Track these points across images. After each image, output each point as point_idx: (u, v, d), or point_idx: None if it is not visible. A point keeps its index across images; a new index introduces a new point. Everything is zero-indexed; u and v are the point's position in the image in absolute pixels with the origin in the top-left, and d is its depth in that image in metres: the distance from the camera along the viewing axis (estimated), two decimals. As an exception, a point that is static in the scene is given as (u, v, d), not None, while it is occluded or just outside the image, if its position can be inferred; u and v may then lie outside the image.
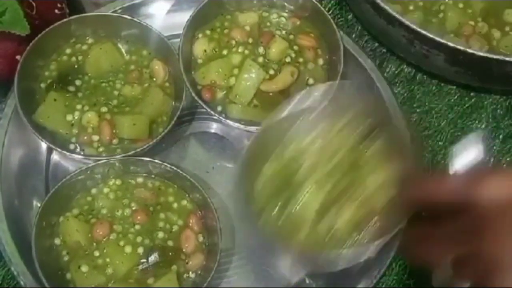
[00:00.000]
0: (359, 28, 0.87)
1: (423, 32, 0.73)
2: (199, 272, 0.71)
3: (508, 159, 0.81)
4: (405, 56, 0.84)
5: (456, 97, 0.84)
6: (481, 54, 0.73)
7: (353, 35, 0.86)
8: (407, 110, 0.83)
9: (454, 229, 0.53)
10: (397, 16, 0.73)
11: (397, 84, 0.84)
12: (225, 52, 0.79)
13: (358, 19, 0.86)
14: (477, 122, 0.83)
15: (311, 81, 0.78)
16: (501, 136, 0.83)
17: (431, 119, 0.83)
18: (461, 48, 0.72)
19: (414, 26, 0.73)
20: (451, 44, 0.72)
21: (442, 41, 0.72)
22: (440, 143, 0.82)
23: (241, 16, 0.80)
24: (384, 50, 0.86)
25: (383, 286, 0.75)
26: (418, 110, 0.83)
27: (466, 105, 0.84)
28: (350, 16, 0.87)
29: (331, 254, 0.68)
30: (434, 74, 0.84)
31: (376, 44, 0.86)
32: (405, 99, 0.84)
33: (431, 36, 0.73)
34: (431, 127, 0.83)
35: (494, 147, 0.82)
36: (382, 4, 0.74)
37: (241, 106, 0.76)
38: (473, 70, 0.77)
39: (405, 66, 0.85)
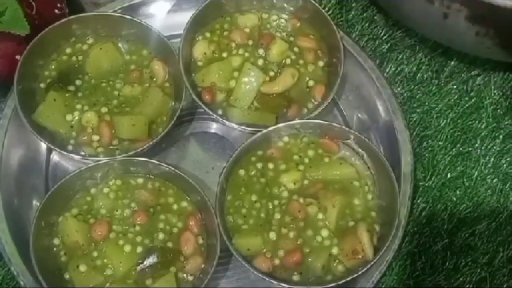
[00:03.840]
0: (359, 28, 0.86)
1: None
2: (197, 273, 0.71)
3: (508, 159, 0.81)
4: (420, 25, 0.80)
5: (456, 97, 0.84)
6: (509, 5, 0.67)
7: (353, 35, 0.86)
8: (407, 110, 0.83)
9: None
10: None
11: (397, 84, 0.84)
12: (225, 54, 0.79)
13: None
14: (477, 122, 0.83)
15: (311, 83, 0.78)
16: (501, 136, 0.82)
17: (431, 119, 0.83)
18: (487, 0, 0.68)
19: None
20: None
21: None
22: (440, 143, 0.82)
23: (241, 18, 0.80)
24: (384, 50, 0.86)
25: (383, 286, 0.75)
26: (418, 110, 0.83)
27: (466, 105, 0.84)
28: (350, 16, 0.87)
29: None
30: (448, 43, 0.81)
31: (376, 44, 0.86)
32: (405, 99, 0.84)
33: None
34: (431, 127, 0.83)
35: (494, 147, 0.82)
36: None
37: (241, 109, 0.76)
38: (498, 29, 0.72)
39: (405, 66, 0.85)
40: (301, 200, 0.73)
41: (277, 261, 0.71)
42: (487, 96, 0.84)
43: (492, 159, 0.81)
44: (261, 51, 0.78)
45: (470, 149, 0.81)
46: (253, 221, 0.73)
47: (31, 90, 0.77)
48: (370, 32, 0.86)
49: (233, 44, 0.79)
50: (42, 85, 0.78)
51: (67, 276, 0.71)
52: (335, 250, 0.71)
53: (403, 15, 0.81)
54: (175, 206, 0.74)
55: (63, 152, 0.74)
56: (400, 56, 0.85)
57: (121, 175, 0.75)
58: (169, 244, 0.72)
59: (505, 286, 0.76)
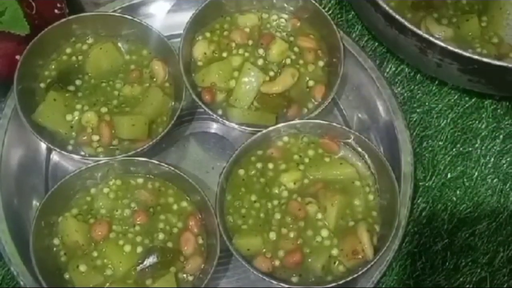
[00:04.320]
0: (359, 28, 0.86)
1: (436, 41, 0.72)
2: (197, 274, 0.71)
3: (508, 159, 0.81)
4: (416, 65, 0.84)
5: (456, 97, 0.84)
6: (497, 63, 0.72)
7: (353, 35, 0.86)
8: (407, 110, 0.83)
9: None
10: (410, 25, 0.72)
11: (397, 84, 0.84)
12: (225, 54, 0.79)
13: (368, 30, 0.86)
14: (477, 122, 0.83)
15: (311, 83, 0.78)
16: (501, 136, 0.82)
17: (431, 119, 0.83)
18: (476, 57, 0.71)
19: (427, 36, 0.72)
20: (465, 54, 0.71)
21: (456, 50, 0.72)
22: (440, 143, 0.82)
23: (241, 18, 0.80)
24: (384, 50, 0.86)
25: (383, 286, 0.75)
26: (418, 110, 0.83)
27: (466, 105, 0.84)
28: (350, 16, 0.87)
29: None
30: (446, 83, 0.84)
31: (376, 44, 0.86)
32: (405, 99, 0.84)
33: (444, 45, 0.72)
34: (431, 127, 0.83)
35: (494, 147, 0.82)
36: (394, 14, 0.73)
37: (241, 109, 0.76)
38: (488, 79, 0.76)
39: (405, 66, 0.85)
40: (300, 199, 0.73)
41: (277, 261, 0.71)
42: (487, 96, 0.84)
43: (492, 159, 0.81)
44: (261, 51, 0.78)
45: (470, 149, 0.81)
46: (252, 221, 0.73)
47: (31, 90, 0.77)
48: (370, 32, 0.86)
49: (233, 44, 0.79)
50: (42, 85, 0.78)
51: (67, 276, 0.71)
52: (335, 250, 0.71)
53: (399, 53, 0.84)
54: (175, 206, 0.74)
55: (63, 152, 0.74)
56: (400, 56, 0.85)
57: (121, 175, 0.75)
58: (169, 244, 0.72)
59: (505, 286, 0.76)
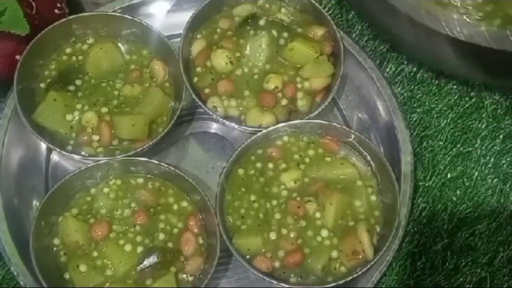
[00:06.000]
0: (359, 28, 0.86)
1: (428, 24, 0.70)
2: (197, 274, 0.71)
3: (508, 159, 0.81)
4: (408, 51, 0.83)
5: (456, 97, 0.84)
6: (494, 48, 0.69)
7: (353, 35, 0.86)
8: (407, 110, 0.83)
9: None
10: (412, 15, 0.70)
11: (397, 84, 0.84)
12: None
13: (359, 16, 0.85)
14: (477, 122, 0.83)
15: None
16: (501, 136, 0.82)
17: (431, 119, 0.83)
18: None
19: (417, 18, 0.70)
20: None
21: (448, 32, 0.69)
22: (440, 143, 0.82)
23: (236, 9, 0.80)
24: (384, 50, 0.85)
25: (383, 286, 0.75)
26: (418, 110, 0.83)
27: (466, 105, 0.84)
28: (350, 16, 0.87)
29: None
30: (436, 70, 0.83)
31: (376, 44, 0.86)
32: (405, 99, 0.84)
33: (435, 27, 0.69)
34: (431, 127, 0.83)
35: (494, 147, 0.82)
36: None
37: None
38: (478, 62, 0.74)
39: (405, 66, 0.85)
40: (300, 198, 0.73)
41: (277, 262, 0.71)
42: (487, 96, 0.84)
43: (492, 159, 0.81)
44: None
45: (470, 149, 0.81)
46: (252, 221, 0.73)
47: (31, 90, 0.77)
48: (370, 32, 0.86)
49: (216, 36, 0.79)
50: (42, 85, 0.78)
51: (67, 276, 0.71)
52: (335, 251, 0.71)
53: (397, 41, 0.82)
54: (175, 206, 0.74)
55: (63, 152, 0.74)
56: (400, 56, 0.85)
57: (121, 175, 0.75)
58: (169, 244, 0.72)
59: (505, 286, 0.76)
